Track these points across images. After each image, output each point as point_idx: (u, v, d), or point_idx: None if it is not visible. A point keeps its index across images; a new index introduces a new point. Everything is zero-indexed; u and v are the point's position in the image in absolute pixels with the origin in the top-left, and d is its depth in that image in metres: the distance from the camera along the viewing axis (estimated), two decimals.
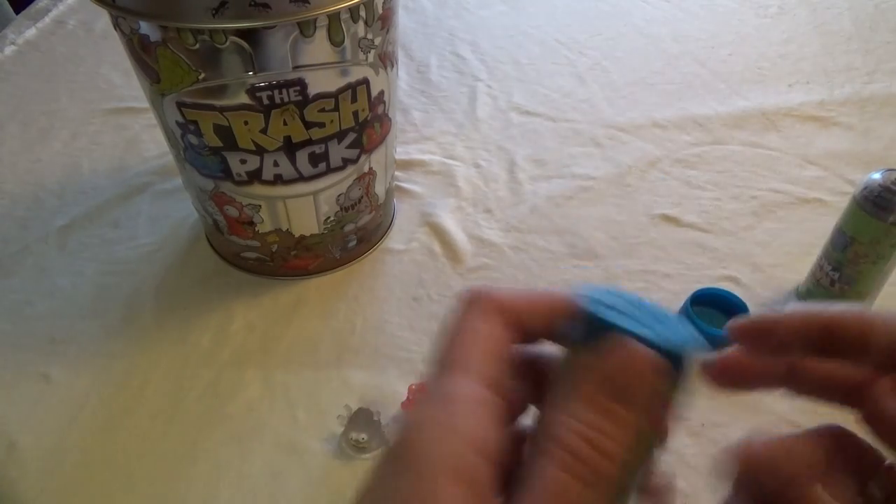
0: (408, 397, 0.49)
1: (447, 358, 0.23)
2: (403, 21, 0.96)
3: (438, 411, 0.21)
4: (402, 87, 0.85)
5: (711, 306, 0.57)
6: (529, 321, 0.24)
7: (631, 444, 0.21)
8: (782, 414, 0.48)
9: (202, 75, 0.45)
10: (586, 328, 0.22)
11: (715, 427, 0.43)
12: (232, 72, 0.44)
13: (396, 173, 0.70)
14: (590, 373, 0.22)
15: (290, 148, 0.50)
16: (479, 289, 0.24)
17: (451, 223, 0.66)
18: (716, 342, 0.57)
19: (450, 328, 0.24)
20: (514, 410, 0.24)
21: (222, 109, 0.46)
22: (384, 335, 0.56)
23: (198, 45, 0.43)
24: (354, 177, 0.56)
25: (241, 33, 0.42)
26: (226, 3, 0.40)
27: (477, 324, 0.24)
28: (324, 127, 0.50)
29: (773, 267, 0.61)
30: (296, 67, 0.45)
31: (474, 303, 0.24)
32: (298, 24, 0.43)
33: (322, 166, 0.52)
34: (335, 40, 0.46)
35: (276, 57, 0.44)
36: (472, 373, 0.22)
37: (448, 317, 0.24)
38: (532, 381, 0.25)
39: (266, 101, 0.46)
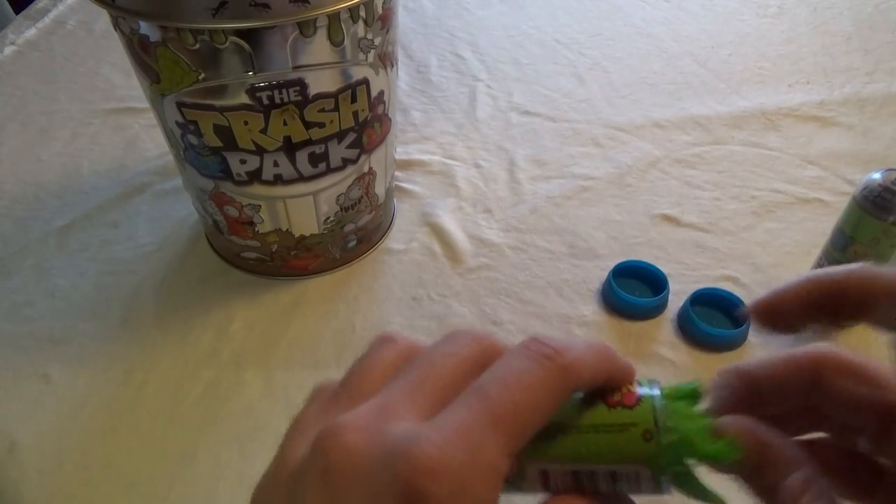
0: None
1: None
2: (403, 21, 0.96)
3: None
4: (402, 87, 0.85)
5: (711, 306, 0.57)
6: None
7: None
8: None
9: (202, 75, 0.45)
10: None
11: None
12: (232, 72, 0.44)
13: (396, 173, 0.70)
14: None
15: (290, 148, 0.50)
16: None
17: (451, 223, 0.66)
18: (714, 341, 0.57)
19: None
20: None
21: (222, 109, 0.46)
22: None
23: (198, 45, 0.43)
24: (354, 177, 0.56)
25: (241, 33, 0.42)
26: (226, 3, 0.40)
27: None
28: (324, 127, 0.50)
29: (773, 267, 0.61)
30: (296, 67, 0.45)
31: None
32: (298, 24, 0.43)
33: (322, 166, 0.52)
34: (335, 40, 0.46)
35: (276, 57, 0.44)
36: None
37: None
38: None
39: (266, 101, 0.46)
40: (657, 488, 0.25)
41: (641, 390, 0.26)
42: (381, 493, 0.20)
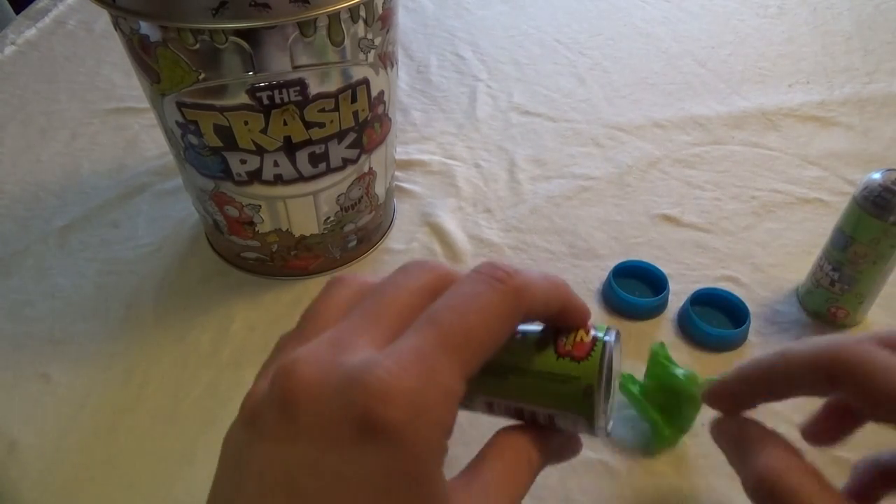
0: None
1: None
2: (403, 21, 0.96)
3: None
4: (402, 87, 0.85)
5: (711, 306, 0.57)
6: None
7: None
8: (783, 414, 0.48)
9: (202, 75, 0.45)
10: None
11: None
12: (232, 72, 0.44)
13: (396, 173, 0.70)
14: None
15: (290, 148, 0.50)
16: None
17: (451, 223, 0.66)
18: (714, 341, 0.58)
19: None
20: None
21: (222, 109, 0.47)
22: None
23: (198, 45, 0.43)
24: (354, 177, 0.56)
25: (241, 33, 0.42)
26: (226, 3, 0.41)
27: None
28: (324, 127, 0.50)
29: (773, 267, 0.61)
30: (296, 67, 0.45)
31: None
32: (298, 24, 0.43)
33: (322, 166, 0.52)
34: (335, 40, 0.46)
35: (276, 57, 0.44)
36: None
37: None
38: None
39: (266, 101, 0.46)
40: (592, 433, 0.26)
41: (596, 334, 0.26)
42: (337, 421, 0.20)
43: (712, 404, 0.34)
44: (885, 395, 0.26)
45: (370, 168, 0.57)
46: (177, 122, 0.49)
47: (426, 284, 0.24)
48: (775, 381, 0.31)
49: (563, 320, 0.26)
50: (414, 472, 0.20)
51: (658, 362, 0.45)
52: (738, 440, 0.31)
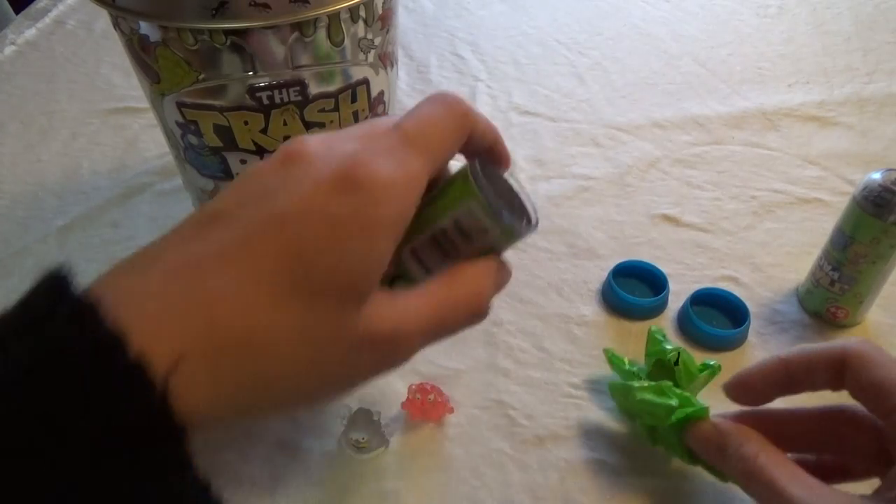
0: (408, 397, 0.49)
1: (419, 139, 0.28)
2: (403, 21, 0.96)
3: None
4: (402, 87, 0.85)
5: (711, 306, 0.57)
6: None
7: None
8: None
9: (202, 75, 0.45)
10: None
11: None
12: (232, 72, 0.44)
13: None
14: None
15: None
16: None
17: None
18: (714, 341, 0.58)
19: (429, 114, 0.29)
20: None
21: (222, 109, 0.47)
22: None
23: (198, 45, 0.43)
24: None
25: (241, 33, 0.42)
26: (225, 3, 0.41)
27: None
28: (324, 127, 0.50)
29: (773, 267, 0.61)
30: (296, 67, 0.45)
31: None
32: (298, 24, 0.43)
33: None
34: (335, 40, 0.46)
35: (276, 57, 0.44)
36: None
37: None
38: None
39: (266, 101, 0.46)
40: (498, 222, 0.29)
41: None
42: (327, 176, 0.25)
43: (736, 398, 0.39)
44: (869, 384, 0.33)
45: None
46: (177, 122, 0.49)
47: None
48: (796, 374, 0.36)
49: (491, 156, 0.32)
50: (374, 217, 0.25)
51: (653, 339, 0.49)
52: (717, 438, 0.37)
